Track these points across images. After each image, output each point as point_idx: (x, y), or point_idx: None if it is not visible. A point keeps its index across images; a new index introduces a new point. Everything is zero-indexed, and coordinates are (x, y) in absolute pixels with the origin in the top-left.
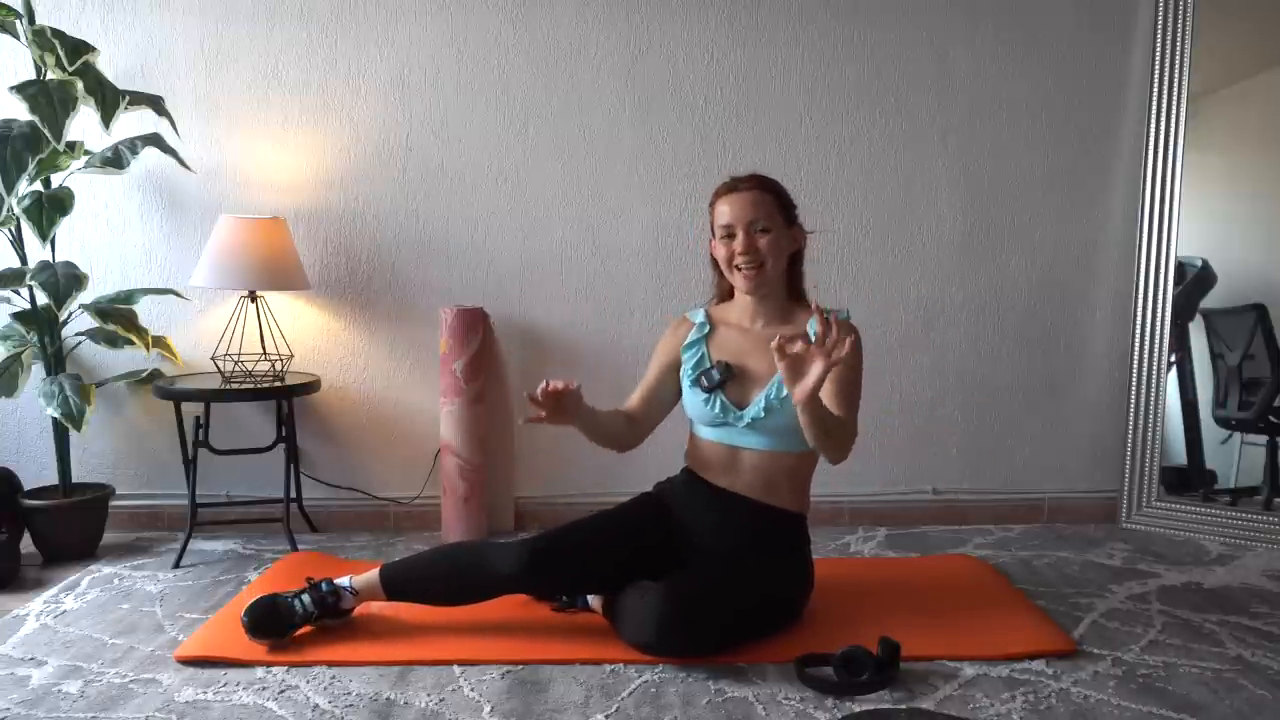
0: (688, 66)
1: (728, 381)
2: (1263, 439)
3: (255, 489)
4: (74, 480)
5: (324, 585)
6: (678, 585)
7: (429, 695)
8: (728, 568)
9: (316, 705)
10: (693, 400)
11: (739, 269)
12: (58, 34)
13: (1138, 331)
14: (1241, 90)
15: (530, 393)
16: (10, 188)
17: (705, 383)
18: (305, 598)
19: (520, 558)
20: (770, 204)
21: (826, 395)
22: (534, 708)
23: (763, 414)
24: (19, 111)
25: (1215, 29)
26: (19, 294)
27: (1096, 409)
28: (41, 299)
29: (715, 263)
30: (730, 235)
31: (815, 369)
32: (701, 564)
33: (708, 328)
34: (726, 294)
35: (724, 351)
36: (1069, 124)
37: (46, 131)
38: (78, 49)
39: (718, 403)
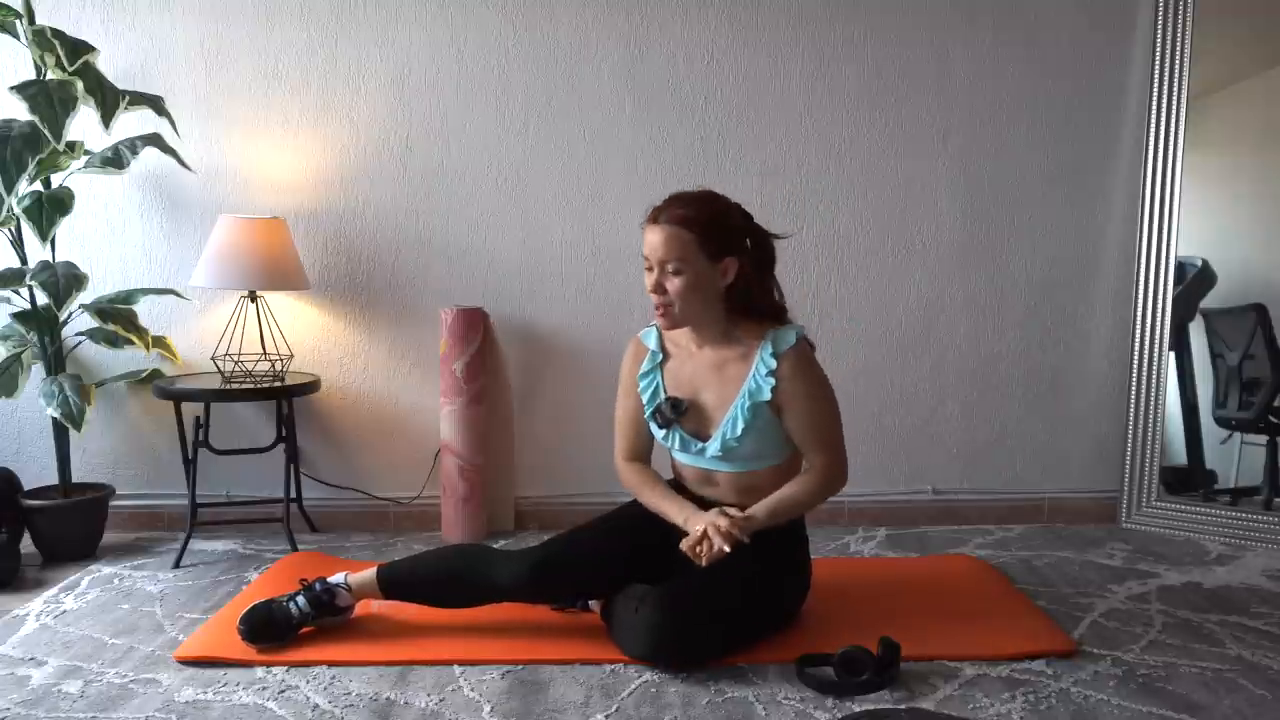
0: (688, 66)
1: (682, 416)
2: (1263, 439)
3: (255, 489)
4: (74, 480)
5: (318, 584)
6: (670, 598)
7: (429, 695)
8: (721, 574)
9: (316, 705)
10: (654, 431)
11: (653, 306)
12: (58, 34)
13: (1138, 331)
14: (1241, 90)
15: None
16: (10, 188)
17: (659, 419)
18: (300, 599)
19: (522, 571)
20: (688, 243)
21: (801, 442)
22: (534, 708)
23: (721, 453)
24: (19, 111)
25: (1215, 29)
26: (19, 294)
27: (1096, 409)
28: (41, 299)
29: None
30: (649, 268)
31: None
32: (694, 571)
33: (660, 356)
34: None
35: (677, 382)
36: (1069, 124)
37: (46, 131)
38: (78, 49)
39: (676, 438)
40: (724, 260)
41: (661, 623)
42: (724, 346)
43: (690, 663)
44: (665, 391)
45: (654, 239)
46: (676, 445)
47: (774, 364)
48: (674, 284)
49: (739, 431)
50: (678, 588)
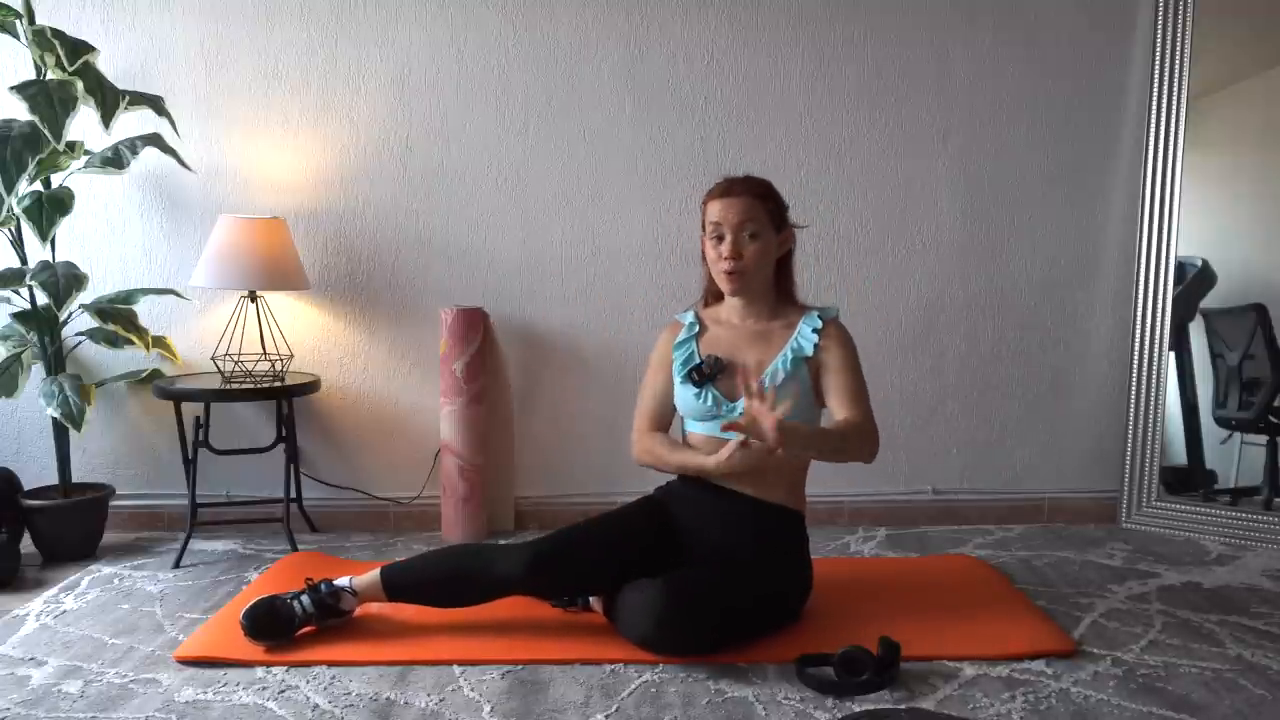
0: (688, 66)
1: (719, 374)
2: (1263, 439)
3: (255, 489)
4: (74, 480)
5: (323, 586)
6: (676, 581)
7: (429, 695)
8: (726, 565)
9: (316, 705)
10: (684, 395)
11: (724, 272)
12: (58, 34)
13: (1138, 332)
14: (1241, 90)
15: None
16: (10, 188)
17: (696, 376)
18: (305, 599)
19: (523, 560)
20: (761, 211)
21: (836, 401)
22: (534, 708)
23: None
24: (19, 111)
25: (1215, 29)
26: (19, 294)
27: (1096, 409)
28: (41, 299)
29: (705, 260)
30: (719, 236)
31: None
32: (700, 561)
33: (697, 327)
34: (716, 295)
35: (714, 348)
36: (1069, 124)
37: (46, 131)
38: (78, 49)
39: (709, 396)
40: (783, 232)
41: (665, 606)
42: (768, 319)
43: (690, 650)
44: (700, 355)
45: (732, 206)
46: (708, 404)
47: (819, 324)
48: (750, 248)
49: (779, 381)
50: (684, 576)
